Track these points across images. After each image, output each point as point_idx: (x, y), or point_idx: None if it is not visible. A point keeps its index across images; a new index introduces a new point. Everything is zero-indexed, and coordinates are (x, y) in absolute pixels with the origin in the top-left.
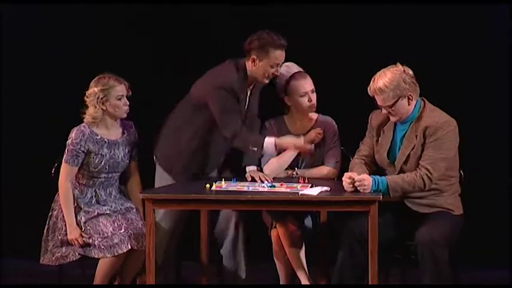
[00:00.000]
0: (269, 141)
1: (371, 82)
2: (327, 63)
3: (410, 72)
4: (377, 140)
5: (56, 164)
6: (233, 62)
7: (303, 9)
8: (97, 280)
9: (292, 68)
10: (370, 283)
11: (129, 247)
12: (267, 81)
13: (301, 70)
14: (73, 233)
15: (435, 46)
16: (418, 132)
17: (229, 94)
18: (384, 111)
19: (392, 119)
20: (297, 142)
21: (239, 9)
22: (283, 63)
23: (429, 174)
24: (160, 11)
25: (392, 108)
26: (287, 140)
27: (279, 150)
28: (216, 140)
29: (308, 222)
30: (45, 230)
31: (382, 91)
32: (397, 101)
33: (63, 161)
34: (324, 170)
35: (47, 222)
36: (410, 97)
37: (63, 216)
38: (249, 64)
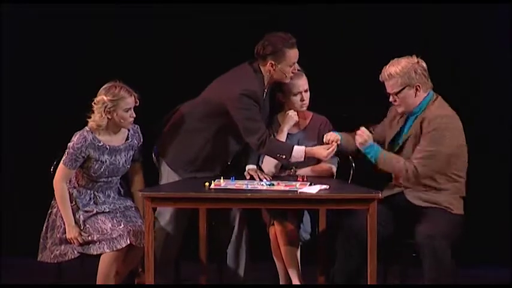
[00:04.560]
0: (299, 149)
1: (384, 68)
2: (324, 64)
3: (424, 64)
4: (389, 129)
5: (55, 162)
6: (251, 66)
7: (301, 9)
8: (100, 278)
9: None
10: (369, 281)
11: (128, 242)
12: (288, 80)
13: (298, 68)
14: (72, 232)
15: (434, 46)
16: (419, 123)
17: (253, 100)
18: (391, 99)
19: (398, 109)
20: (327, 153)
21: (238, 9)
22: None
23: (415, 171)
24: (160, 10)
25: (398, 96)
26: (318, 150)
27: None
28: (229, 142)
29: (307, 223)
30: (44, 228)
31: (392, 77)
32: (404, 89)
33: (61, 162)
34: (323, 167)
35: (46, 219)
36: (418, 88)
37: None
38: (266, 69)
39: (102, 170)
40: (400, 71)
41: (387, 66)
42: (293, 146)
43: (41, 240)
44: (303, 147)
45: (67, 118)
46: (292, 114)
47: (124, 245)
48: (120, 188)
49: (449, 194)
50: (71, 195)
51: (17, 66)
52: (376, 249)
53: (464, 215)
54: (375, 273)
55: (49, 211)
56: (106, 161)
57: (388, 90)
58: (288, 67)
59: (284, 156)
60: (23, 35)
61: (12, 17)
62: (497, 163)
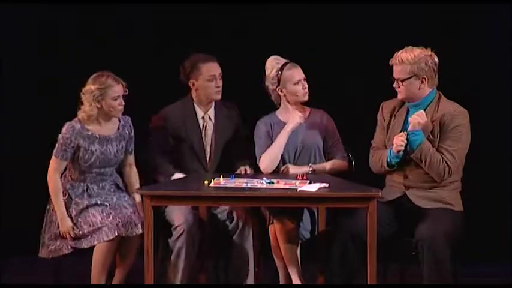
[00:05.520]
0: (177, 175)
1: (396, 52)
2: (323, 63)
3: (436, 59)
4: (388, 125)
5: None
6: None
7: (301, 8)
8: (94, 270)
9: (281, 59)
10: (368, 280)
11: (116, 234)
12: (217, 96)
13: (290, 61)
14: (64, 226)
15: (434, 46)
16: (435, 119)
17: (163, 121)
18: (395, 84)
19: (399, 96)
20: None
21: (238, 9)
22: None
23: (450, 164)
24: (160, 10)
25: (403, 84)
26: None
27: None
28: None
29: (306, 221)
30: (44, 224)
31: (403, 62)
32: (411, 78)
33: (53, 154)
34: (338, 163)
35: (45, 215)
36: (424, 80)
37: None
38: (192, 91)
39: (92, 160)
40: (411, 59)
41: (400, 52)
42: (174, 173)
43: (41, 236)
44: (180, 175)
45: (67, 118)
46: (297, 115)
47: (111, 237)
48: (115, 180)
49: (451, 189)
50: (64, 189)
51: (17, 66)
52: (376, 249)
53: (464, 211)
54: (374, 272)
55: (47, 207)
56: (96, 151)
57: (395, 75)
58: (207, 82)
59: (163, 176)
60: (23, 35)
61: (12, 17)
62: (497, 163)
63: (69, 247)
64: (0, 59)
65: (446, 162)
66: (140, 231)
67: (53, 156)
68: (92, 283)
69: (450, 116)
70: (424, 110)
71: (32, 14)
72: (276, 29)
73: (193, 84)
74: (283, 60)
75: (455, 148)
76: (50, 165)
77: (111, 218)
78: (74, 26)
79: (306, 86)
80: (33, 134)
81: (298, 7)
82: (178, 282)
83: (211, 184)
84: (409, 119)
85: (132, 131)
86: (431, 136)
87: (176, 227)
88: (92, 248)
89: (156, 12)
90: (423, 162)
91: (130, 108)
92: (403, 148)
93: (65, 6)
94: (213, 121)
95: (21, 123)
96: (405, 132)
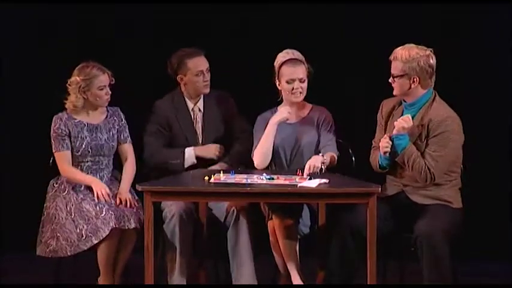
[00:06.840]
0: (188, 150)
1: (396, 48)
2: (323, 63)
3: (432, 61)
4: (386, 124)
5: (52, 158)
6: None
7: (300, 8)
8: (102, 269)
9: (290, 54)
10: (368, 276)
11: (110, 228)
12: (205, 90)
13: (298, 58)
14: (99, 185)
15: (434, 46)
16: (424, 123)
17: (155, 114)
18: (390, 79)
19: (394, 91)
20: (212, 149)
21: (238, 8)
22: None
23: (433, 171)
24: (160, 10)
25: (395, 80)
26: (205, 148)
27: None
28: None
29: (306, 217)
30: (41, 222)
31: (397, 59)
32: (402, 76)
33: (53, 152)
34: (332, 156)
35: (43, 213)
36: (415, 81)
37: (56, 206)
38: (181, 86)
39: (84, 146)
40: (405, 58)
41: (399, 48)
42: (184, 149)
43: (38, 234)
44: (191, 148)
45: None
46: (285, 110)
47: (108, 232)
48: (114, 173)
49: (448, 187)
50: (61, 182)
51: (17, 66)
52: (376, 245)
53: (463, 208)
54: (374, 268)
55: (44, 205)
56: (86, 137)
57: (391, 70)
58: (195, 76)
59: (178, 160)
60: (23, 35)
61: (12, 17)
62: (497, 162)
63: (68, 252)
64: (0, 59)
65: (428, 168)
66: (133, 225)
67: (55, 153)
68: (102, 282)
69: (437, 121)
70: (418, 111)
71: (32, 14)
72: (276, 29)
73: (181, 79)
74: (292, 56)
75: (441, 154)
76: (58, 164)
77: (104, 212)
78: (74, 26)
79: (302, 87)
80: (33, 134)
81: (298, 7)
82: (176, 270)
83: (212, 180)
84: (395, 123)
85: (123, 119)
86: (418, 140)
87: (167, 211)
88: (91, 248)
89: (156, 12)
90: (407, 166)
91: (131, 108)
92: (388, 150)
93: (65, 6)
94: (202, 111)
95: (21, 123)
96: (389, 135)
